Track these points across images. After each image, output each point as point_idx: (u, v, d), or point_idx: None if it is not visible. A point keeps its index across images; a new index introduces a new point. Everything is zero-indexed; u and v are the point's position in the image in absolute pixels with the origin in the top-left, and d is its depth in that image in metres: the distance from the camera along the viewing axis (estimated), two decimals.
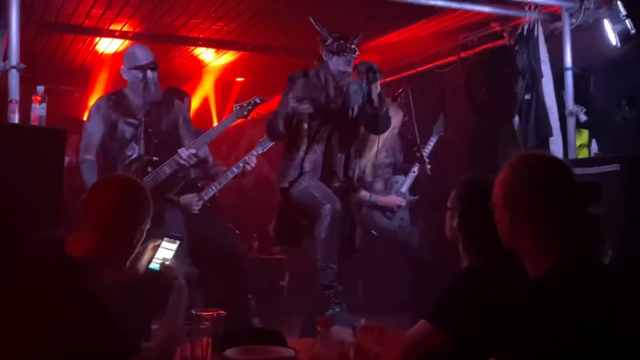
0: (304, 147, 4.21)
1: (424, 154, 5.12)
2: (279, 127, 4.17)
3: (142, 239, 2.14)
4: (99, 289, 1.93)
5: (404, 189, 5.14)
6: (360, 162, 4.64)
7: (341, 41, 4.16)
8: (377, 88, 4.11)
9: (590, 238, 1.78)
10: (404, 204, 5.10)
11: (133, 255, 2.15)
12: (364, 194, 4.83)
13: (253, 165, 4.76)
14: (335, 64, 4.21)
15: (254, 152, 4.89)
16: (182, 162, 4.16)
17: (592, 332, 1.54)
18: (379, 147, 4.69)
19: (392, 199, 5.10)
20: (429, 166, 5.09)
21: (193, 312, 2.05)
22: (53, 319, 1.79)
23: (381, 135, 4.48)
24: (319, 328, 1.68)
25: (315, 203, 4.05)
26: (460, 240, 2.38)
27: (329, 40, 4.19)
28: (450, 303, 2.19)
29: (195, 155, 4.20)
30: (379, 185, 5.17)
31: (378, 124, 4.24)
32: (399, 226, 5.10)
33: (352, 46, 4.17)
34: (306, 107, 4.12)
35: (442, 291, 2.27)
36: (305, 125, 4.19)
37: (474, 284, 2.18)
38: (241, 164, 4.78)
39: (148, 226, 2.15)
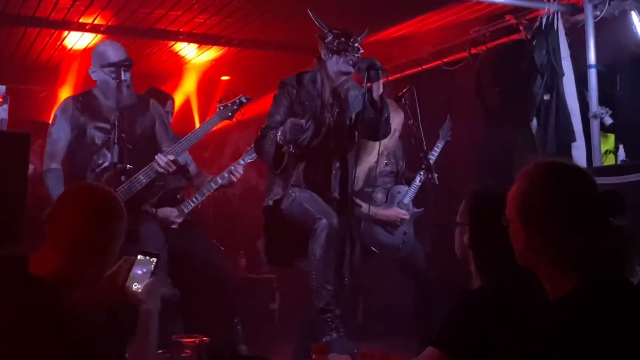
0: (292, 160, 4.19)
1: (430, 160, 5.12)
2: (270, 154, 4.18)
3: (116, 256, 2.14)
4: (68, 310, 1.92)
5: (407, 200, 5.10)
6: (357, 170, 4.65)
7: (343, 39, 4.13)
8: (379, 88, 4.09)
9: (615, 254, 1.78)
10: (407, 217, 5.06)
11: (107, 274, 2.14)
12: (363, 205, 4.82)
13: (239, 175, 4.75)
14: (335, 64, 4.18)
15: (241, 161, 4.89)
16: (160, 169, 4.14)
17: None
18: (379, 153, 4.67)
19: (394, 212, 5.06)
20: (436, 174, 5.07)
21: (173, 338, 2.04)
22: (17, 342, 1.79)
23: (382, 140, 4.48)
24: (314, 356, 1.68)
25: (309, 218, 4.03)
26: (471, 258, 2.38)
27: (329, 38, 4.16)
28: (461, 328, 2.18)
29: (174, 162, 4.19)
30: (379, 195, 5.13)
31: (378, 130, 4.21)
32: (402, 242, 5.06)
33: (355, 45, 4.14)
34: (298, 132, 4.09)
35: (452, 314, 2.26)
36: (302, 138, 4.17)
37: (487, 306, 2.17)
38: (226, 174, 4.78)
39: (122, 242, 2.14)
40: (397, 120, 4.85)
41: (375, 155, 4.79)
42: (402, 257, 5.11)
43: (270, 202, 4.24)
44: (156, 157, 4.16)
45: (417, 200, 5.20)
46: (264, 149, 4.21)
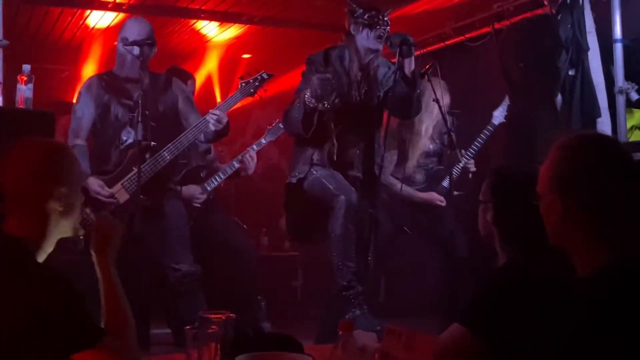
0: (317, 138, 4.15)
1: (472, 151, 5.05)
2: (297, 119, 4.07)
3: (71, 210, 2.12)
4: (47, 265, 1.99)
5: (446, 183, 5.00)
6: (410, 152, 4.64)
7: (373, 12, 4.08)
8: (411, 64, 4.03)
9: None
10: (443, 203, 4.97)
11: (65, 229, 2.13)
12: (397, 185, 4.79)
13: (253, 161, 4.80)
14: (365, 39, 4.11)
15: (263, 141, 4.92)
16: (212, 127, 4.17)
17: None
18: (424, 134, 4.64)
19: (431, 196, 4.99)
20: (473, 169, 5.00)
21: (200, 314, 2.06)
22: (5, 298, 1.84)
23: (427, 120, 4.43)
24: (340, 332, 1.68)
25: (328, 195, 4.02)
26: (496, 236, 2.37)
27: (359, 12, 4.10)
28: (487, 306, 2.17)
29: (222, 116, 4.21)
30: (418, 176, 5.06)
31: (410, 106, 4.17)
32: (437, 222, 4.99)
33: (385, 19, 4.08)
34: (327, 87, 4.01)
35: (478, 291, 2.26)
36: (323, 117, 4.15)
37: (512, 283, 2.17)
38: (241, 158, 4.82)
39: (78, 197, 2.14)
40: (445, 100, 4.78)
41: (426, 137, 4.77)
42: (435, 238, 5.05)
43: (294, 180, 4.23)
44: (209, 113, 4.19)
45: (458, 183, 5.10)
46: (291, 115, 4.13)
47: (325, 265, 4.22)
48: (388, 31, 4.09)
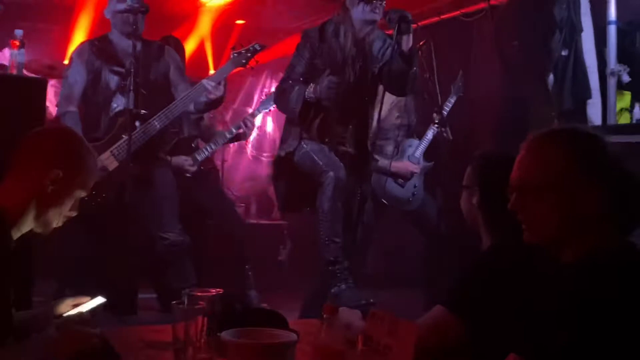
0: (310, 112, 4.15)
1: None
2: (295, 111, 4.11)
3: (58, 200, 2.14)
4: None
5: (418, 154, 5.11)
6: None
7: None
8: (409, 41, 4.01)
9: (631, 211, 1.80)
10: (417, 170, 5.08)
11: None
12: (380, 160, 4.83)
13: (252, 127, 4.80)
14: (361, 12, 4.07)
15: (256, 112, 4.94)
16: (210, 90, 4.18)
17: (626, 327, 1.58)
18: (382, 107, 4.65)
19: (405, 165, 5.09)
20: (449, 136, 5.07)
21: (187, 291, 2.09)
22: None
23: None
24: (324, 315, 1.72)
25: (317, 170, 4.03)
26: (481, 219, 2.40)
27: None
28: (468, 287, 2.22)
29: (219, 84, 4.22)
30: (389, 148, 5.14)
31: (406, 83, 4.16)
32: (412, 195, 5.10)
33: None
34: (333, 90, 4.02)
35: (461, 274, 2.30)
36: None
37: (496, 267, 2.21)
38: (238, 126, 4.83)
39: (72, 193, 2.16)
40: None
41: (379, 108, 4.79)
42: (412, 210, 5.16)
43: (283, 153, 4.25)
44: (203, 81, 4.19)
45: (428, 154, 5.22)
46: (288, 105, 4.15)
47: (313, 234, 4.26)
48: (384, 4, 4.07)
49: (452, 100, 5.28)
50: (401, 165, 5.08)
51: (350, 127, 4.26)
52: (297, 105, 4.06)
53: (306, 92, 4.03)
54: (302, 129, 4.17)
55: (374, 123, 4.31)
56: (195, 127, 4.83)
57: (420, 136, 5.21)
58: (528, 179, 1.82)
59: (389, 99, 4.64)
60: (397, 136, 5.16)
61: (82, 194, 2.17)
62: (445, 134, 4.79)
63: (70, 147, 2.16)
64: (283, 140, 4.30)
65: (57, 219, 2.15)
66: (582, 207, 1.74)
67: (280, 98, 4.25)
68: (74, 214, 2.19)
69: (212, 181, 5.30)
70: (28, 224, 2.09)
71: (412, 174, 5.08)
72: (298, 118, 4.11)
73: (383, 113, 4.76)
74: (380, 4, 4.05)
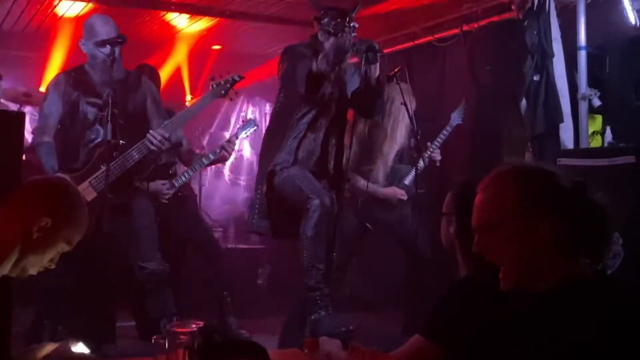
0: (299, 134, 4.19)
1: (436, 145, 5.15)
2: (300, 85, 4.06)
3: (43, 248, 2.16)
4: None
5: (407, 180, 5.10)
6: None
7: (339, 19, 4.08)
8: (376, 70, 4.06)
9: (596, 241, 1.85)
10: (405, 197, 5.09)
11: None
12: (361, 182, 4.86)
13: (232, 152, 4.82)
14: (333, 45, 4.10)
15: (233, 138, 4.95)
16: (152, 147, 4.17)
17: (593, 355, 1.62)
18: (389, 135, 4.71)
19: (393, 191, 5.09)
20: (439, 157, 5.12)
21: (169, 328, 2.10)
22: None
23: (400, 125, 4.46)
24: (305, 350, 1.75)
25: (301, 197, 4.03)
26: (458, 248, 2.44)
27: (325, 20, 4.12)
28: (445, 315, 2.25)
29: (167, 139, 4.22)
30: (379, 174, 5.17)
31: (374, 111, 4.24)
32: (399, 221, 5.10)
33: (352, 24, 4.07)
34: (341, 53, 4.01)
35: (439, 303, 2.33)
36: (304, 112, 4.19)
37: (473, 296, 2.24)
38: (218, 150, 4.85)
39: (57, 244, 2.18)
40: (413, 105, 4.84)
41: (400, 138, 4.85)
42: (397, 235, 5.16)
43: (278, 168, 4.21)
44: (149, 133, 4.18)
45: (418, 182, 5.20)
46: (296, 75, 4.10)
47: (291, 258, 4.26)
48: (354, 37, 4.10)
49: (450, 128, 5.29)
50: (389, 191, 5.09)
51: (330, 149, 4.29)
52: (304, 72, 4.04)
53: (314, 65, 3.99)
54: (283, 147, 4.19)
55: (349, 144, 4.36)
56: (173, 154, 4.83)
57: (413, 163, 5.21)
58: (484, 221, 1.89)
59: (397, 132, 4.73)
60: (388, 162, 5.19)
61: (65, 248, 2.19)
62: (424, 160, 4.83)
63: (64, 199, 2.19)
64: (272, 157, 4.25)
65: (35, 267, 2.16)
66: (538, 237, 1.81)
67: (291, 74, 4.19)
68: (52, 266, 2.21)
69: (190, 207, 5.31)
70: (6, 267, 2.10)
71: (399, 200, 5.09)
72: (305, 91, 4.07)
73: (389, 145, 4.86)
74: (350, 38, 4.10)
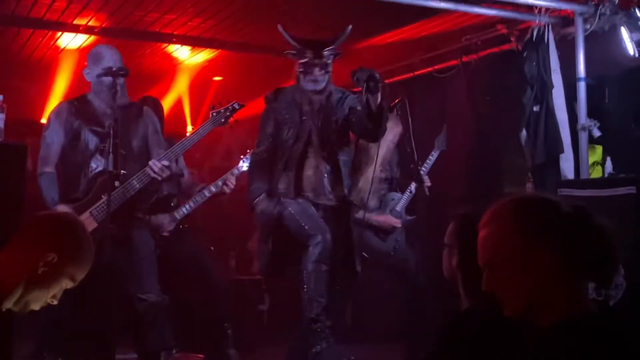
0: (279, 166, 4.25)
1: (423, 171, 5.16)
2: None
3: (49, 283, 2.16)
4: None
5: (400, 207, 5.16)
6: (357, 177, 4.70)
7: (309, 56, 4.17)
8: (377, 99, 4.03)
9: (603, 264, 1.83)
10: (399, 225, 5.12)
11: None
12: (358, 212, 4.87)
13: (232, 186, 4.83)
14: (307, 83, 4.24)
15: (235, 171, 4.96)
16: (153, 175, 4.17)
17: None
18: (376, 162, 4.70)
19: (387, 219, 5.12)
20: (428, 184, 5.11)
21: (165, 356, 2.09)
22: None
23: (380, 149, 4.50)
24: None
25: (303, 234, 4.07)
26: (460, 280, 2.43)
27: (296, 57, 4.23)
28: (449, 350, 2.23)
29: (168, 167, 4.22)
30: (372, 202, 5.17)
31: (376, 139, 4.24)
32: (394, 248, 5.12)
33: (324, 60, 4.18)
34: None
35: (441, 336, 2.31)
36: (282, 143, 4.26)
37: (475, 329, 2.22)
38: (220, 183, 4.85)
39: (62, 279, 2.18)
40: (395, 130, 4.88)
41: (374, 165, 4.84)
42: (393, 263, 5.17)
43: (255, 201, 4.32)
44: (150, 162, 4.18)
45: (409, 208, 5.26)
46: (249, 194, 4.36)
47: (292, 289, 4.25)
48: (329, 66, 4.21)
49: (435, 154, 5.35)
50: (383, 219, 5.11)
51: (325, 176, 4.29)
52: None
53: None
54: (277, 182, 4.23)
55: (347, 170, 4.35)
56: (174, 186, 4.83)
57: (402, 190, 5.26)
58: (491, 258, 1.86)
59: (376, 155, 4.74)
60: (380, 190, 5.20)
61: (68, 284, 2.19)
62: (422, 188, 4.85)
63: (71, 236, 2.20)
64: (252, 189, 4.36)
65: (37, 303, 2.17)
66: (545, 268, 1.79)
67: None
68: (54, 302, 2.20)
69: (191, 239, 5.29)
70: (10, 301, 2.09)
71: (394, 227, 5.11)
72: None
73: (371, 169, 4.85)
74: (320, 73, 4.20)
